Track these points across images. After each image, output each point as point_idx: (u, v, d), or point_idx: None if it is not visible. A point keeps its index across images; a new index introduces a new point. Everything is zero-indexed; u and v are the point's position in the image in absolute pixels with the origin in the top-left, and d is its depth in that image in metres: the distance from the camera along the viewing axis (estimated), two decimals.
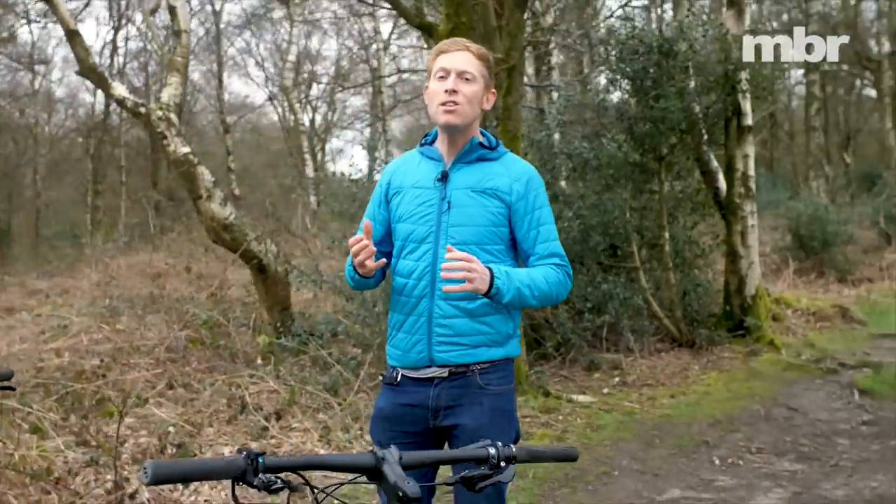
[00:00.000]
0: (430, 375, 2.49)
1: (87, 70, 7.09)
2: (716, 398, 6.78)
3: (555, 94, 9.80)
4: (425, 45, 17.05)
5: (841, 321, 10.05)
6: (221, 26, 23.94)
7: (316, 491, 1.47)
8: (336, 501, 1.51)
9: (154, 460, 1.25)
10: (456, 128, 2.49)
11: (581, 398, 6.52)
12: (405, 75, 21.03)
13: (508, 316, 2.53)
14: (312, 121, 25.44)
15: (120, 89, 7.22)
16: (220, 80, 24.39)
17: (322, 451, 4.98)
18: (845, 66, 22.37)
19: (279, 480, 1.35)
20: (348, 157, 34.52)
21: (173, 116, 6.99)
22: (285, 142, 24.79)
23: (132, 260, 13.11)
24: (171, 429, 5.10)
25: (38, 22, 20.57)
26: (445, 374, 2.48)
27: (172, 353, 6.87)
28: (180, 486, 4.41)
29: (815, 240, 12.86)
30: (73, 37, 7.03)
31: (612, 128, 8.22)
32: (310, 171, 19.94)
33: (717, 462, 5.29)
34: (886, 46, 22.22)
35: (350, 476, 1.54)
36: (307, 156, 20.80)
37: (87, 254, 14.83)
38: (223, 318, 7.36)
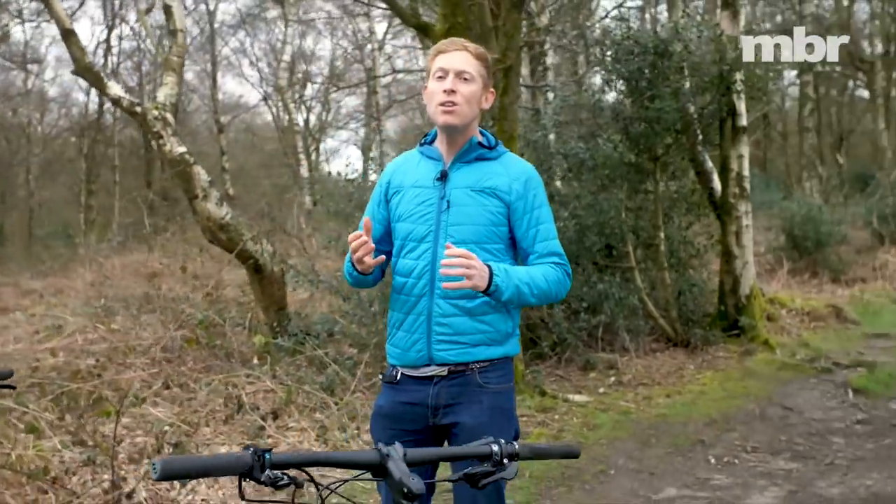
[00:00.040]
0: (429, 374, 2.51)
1: (83, 69, 7.08)
2: (711, 397, 6.81)
3: (550, 95, 9.81)
4: (420, 45, 17.07)
5: (835, 321, 10.09)
6: (216, 26, 23.92)
7: (320, 488, 1.48)
8: (339, 498, 1.52)
9: (163, 457, 1.25)
10: (455, 128, 2.50)
11: (577, 397, 6.53)
12: (400, 75, 21.05)
13: (508, 315, 2.54)
14: (307, 121, 25.43)
15: (116, 88, 7.22)
16: (215, 80, 24.36)
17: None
18: (838, 67, 22.46)
19: (285, 477, 1.36)
20: (343, 157, 34.48)
21: (169, 116, 6.98)
22: (280, 142, 24.76)
23: (126, 260, 13.09)
24: (167, 428, 5.10)
25: (32, 21, 20.51)
26: (445, 373, 2.49)
27: (168, 353, 6.86)
28: (177, 486, 4.42)
29: (808, 240, 12.90)
30: (68, 36, 7.01)
31: (608, 128, 8.24)
32: (304, 172, 19.93)
33: (712, 461, 5.31)
34: (879, 48, 22.33)
35: (354, 473, 1.55)
36: (302, 156, 20.79)
37: (81, 253, 14.79)
38: (219, 318, 7.36)
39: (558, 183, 8.42)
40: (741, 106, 8.83)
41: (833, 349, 8.63)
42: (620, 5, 12.63)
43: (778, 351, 8.31)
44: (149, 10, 8.62)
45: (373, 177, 10.13)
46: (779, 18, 23.94)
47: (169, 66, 7.32)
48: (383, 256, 2.47)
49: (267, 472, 1.35)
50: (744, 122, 8.95)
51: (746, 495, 4.69)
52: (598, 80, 9.71)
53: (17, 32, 22.51)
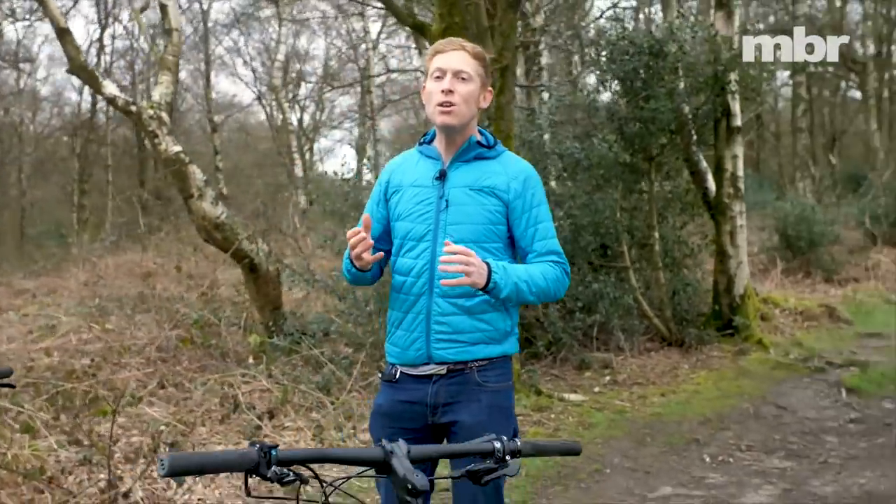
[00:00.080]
0: (428, 372, 2.51)
1: (78, 68, 7.06)
2: (706, 397, 6.83)
3: (545, 95, 9.82)
4: (414, 45, 17.07)
5: (828, 320, 10.13)
6: (209, 25, 23.88)
7: (325, 484, 1.49)
8: (337, 497, 1.53)
9: (171, 453, 1.26)
10: (453, 128, 2.51)
11: (572, 397, 6.55)
12: (394, 75, 21.06)
13: (506, 313, 2.55)
14: (300, 120, 25.42)
15: (111, 88, 7.20)
16: (208, 79, 24.32)
17: None
18: (830, 68, 22.56)
19: (291, 473, 1.37)
20: (336, 156, 34.48)
21: (164, 115, 6.97)
22: (274, 141, 24.74)
23: (120, 260, 13.04)
24: (163, 428, 5.09)
25: (25, 20, 20.43)
26: (444, 372, 2.50)
27: (163, 353, 6.85)
28: (174, 485, 4.41)
29: (801, 240, 12.96)
30: (63, 35, 7.00)
31: (603, 128, 8.25)
32: (299, 171, 19.92)
33: (707, 460, 5.33)
34: (871, 49, 22.44)
35: (357, 470, 1.56)
36: (296, 155, 20.77)
37: (74, 253, 14.76)
38: (214, 318, 7.35)
39: (553, 183, 8.44)
40: (735, 106, 8.87)
41: (826, 349, 8.67)
42: (615, 6, 12.67)
43: (772, 350, 8.34)
44: (143, 9, 8.60)
45: (368, 176, 10.15)
46: (772, 19, 24.05)
47: (164, 65, 7.31)
48: (381, 253, 2.47)
49: (273, 468, 1.35)
50: (738, 122, 8.98)
51: (741, 493, 4.72)
52: (592, 80, 9.73)
53: (10, 31, 22.39)
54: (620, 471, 5.09)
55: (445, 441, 2.52)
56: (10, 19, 20.40)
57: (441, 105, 2.48)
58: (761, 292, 10.25)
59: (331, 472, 3.79)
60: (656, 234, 8.37)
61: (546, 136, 8.27)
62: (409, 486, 1.45)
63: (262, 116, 27.57)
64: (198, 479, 4.55)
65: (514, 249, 2.58)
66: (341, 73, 25.24)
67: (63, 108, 25.98)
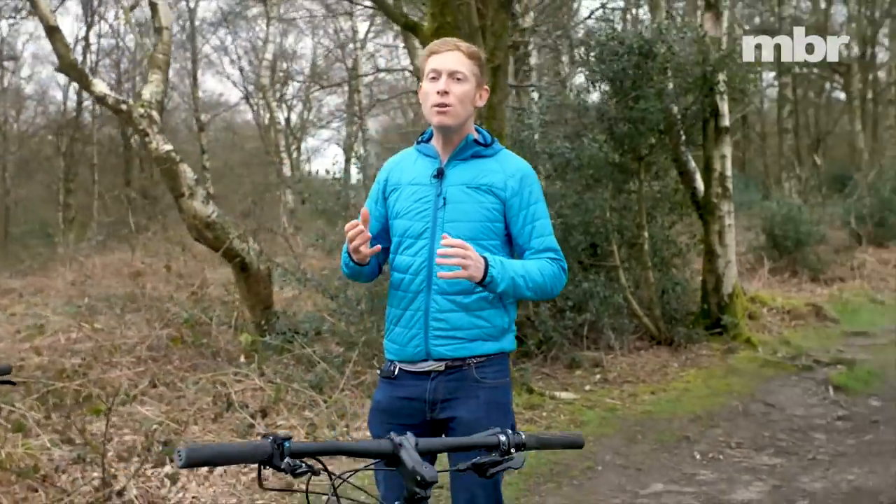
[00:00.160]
0: (426, 369, 2.53)
1: (68, 66, 7.03)
2: (695, 394, 6.88)
3: (535, 95, 9.86)
4: (402, 44, 17.07)
5: (814, 319, 10.22)
6: (196, 23, 23.79)
7: (333, 476, 1.51)
8: (337, 492, 1.55)
9: (188, 444, 1.27)
10: (449, 128, 2.54)
11: (564, 395, 6.58)
12: (381, 74, 21.06)
13: (504, 310, 2.57)
14: (288, 119, 25.36)
15: (101, 86, 7.17)
16: (195, 78, 24.22)
17: None
18: (816, 69, 22.73)
19: (304, 465, 1.39)
20: (324, 156, 34.44)
21: (155, 114, 6.95)
22: (262, 140, 24.67)
23: (107, 259, 13.00)
24: (155, 426, 5.09)
25: (13, 18, 20.27)
26: (442, 368, 2.52)
27: (154, 352, 6.84)
28: (168, 483, 4.41)
29: (788, 239, 13.05)
30: (52, 33, 6.96)
31: (593, 128, 8.29)
32: (287, 171, 19.88)
33: (698, 457, 5.38)
34: (855, 50, 22.62)
35: (365, 462, 1.58)
36: (284, 155, 20.73)
37: (61, 253, 14.68)
38: (205, 317, 7.34)
39: (543, 182, 8.47)
40: (724, 107, 8.93)
41: (813, 347, 8.75)
42: (603, 6, 12.73)
43: (760, 349, 8.41)
44: (133, 7, 8.56)
45: (358, 176, 10.13)
46: (757, 20, 24.22)
47: (154, 63, 7.28)
48: (379, 246, 2.49)
49: (286, 459, 1.37)
50: (726, 122, 9.04)
51: (732, 490, 4.76)
52: (581, 79, 9.76)
53: None
54: (612, 468, 5.13)
55: (443, 437, 2.54)
56: None
57: (437, 106, 2.50)
58: (749, 291, 10.33)
59: (336, 466, 3.81)
60: (645, 234, 8.41)
61: (536, 136, 8.29)
62: (419, 478, 1.47)
63: (249, 115, 27.53)
64: (191, 477, 4.56)
65: (512, 247, 2.61)
66: (329, 73, 25.22)
67: (48, 107, 25.83)
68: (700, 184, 9.23)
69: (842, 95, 25.04)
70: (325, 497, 1.56)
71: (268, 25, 20.94)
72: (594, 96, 8.65)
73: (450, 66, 2.51)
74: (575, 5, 15.38)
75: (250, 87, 24.98)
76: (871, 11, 23.11)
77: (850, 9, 22.98)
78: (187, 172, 6.93)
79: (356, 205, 7.43)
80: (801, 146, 23.38)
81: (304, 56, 30.87)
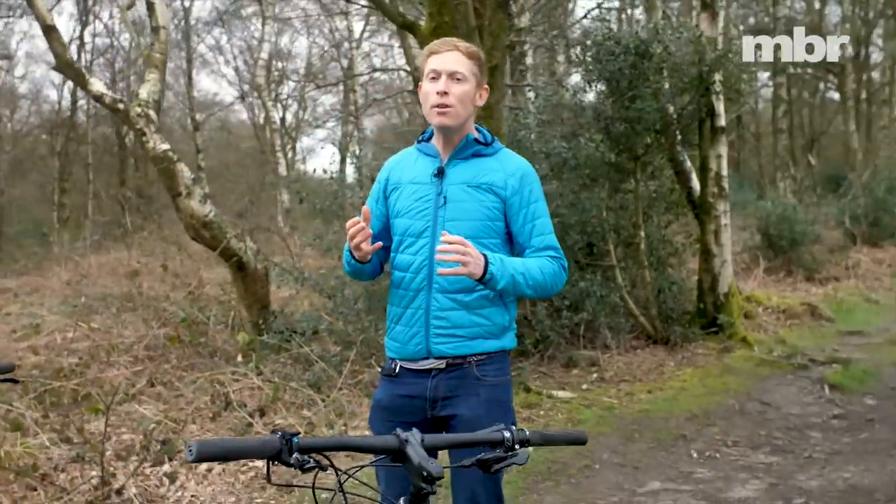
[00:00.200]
0: (427, 367, 2.54)
1: (65, 65, 7.02)
2: (692, 393, 6.90)
3: (532, 95, 9.86)
4: (398, 44, 17.07)
5: (810, 318, 10.25)
6: (191, 22, 23.75)
7: (340, 472, 1.52)
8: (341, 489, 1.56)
9: (199, 439, 1.28)
10: (449, 128, 2.55)
11: (561, 394, 6.60)
12: (376, 74, 21.05)
13: (504, 308, 2.58)
14: (283, 119, 25.34)
15: (98, 85, 7.16)
16: (190, 77, 24.20)
17: None
18: (810, 70, 22.81)
19: (312, 460, 1.40)
20: (319, 156, 34.44)
21: (152, 113, 6.95)
22: (257, 139, 24.65)
23: (103, 259, 12.99)
24: (153, 426, 5.09)
25: (8, 17, 20.22)
26: (443, 366, 2.53)
27: (151, 352, 6.84)
28: (166, 482, 4.42)
29: (783, 239, 13.09)
30: (49, 32, 6.95)
31: (590, 128, 8.30)
32: (282, 170, 19.87)
33: (694, 455, 5.40)
34: (849, 50, 22.70)
35: (371, 458, 1.59)
36: (279, 154, 20.72)
37: (56, 252, 14.65)
38: (202, 316, 7.34)
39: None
40: (720, 107, 8.95)
41: (809, 346, 8.77)
42: (599, 6, 12.75)
43: (756, 348, 8.43)
44: (129, 6, 8.54)
45: (355, 175, 10.11)
46: (752, 20, 24.29)
47: (151, 62, 7.28)
48: (380, 243, 2.50)
49: (295, 455, 1.38)
50: (722, 122, 9.07)
51: (729, 488, 4.78)
52: (577, 79, 9.77)
53: None
54: (610, 466, 5.14)
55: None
56: None
57: (437, 106, 2.51)
58: (744, 291, 10.36)
59: (340, 464, 3.82)
60: (642, 233, 8.44)
61: (532, 136, 8.31)
62: (425, 473, 1.48)
63: (244, 115, 27.51)
64: (190, 476, 4.56)
65: (512, 245, 2.62)
66: (324, 72, 25.21)
67: (41, 106, 25.78)
68: (696, 183, 9.26)
69: (836, 96, 25.12)
70: (329, 493, 1.57)
71: (263, 25, 20.92)
72: (590, 96, 8.67)
73: (450, 67, 2.52)
74: (570, 5, 15.41)
75: (245, 87, 24.97)
76: (864, 12, 23.21)
77: (845, 9, 23.05)
78: (185, 172, 6.93)
79: (352, 204, 7.43)
80: (796, 146, 23.45)
81: (300, 55, 30.85)
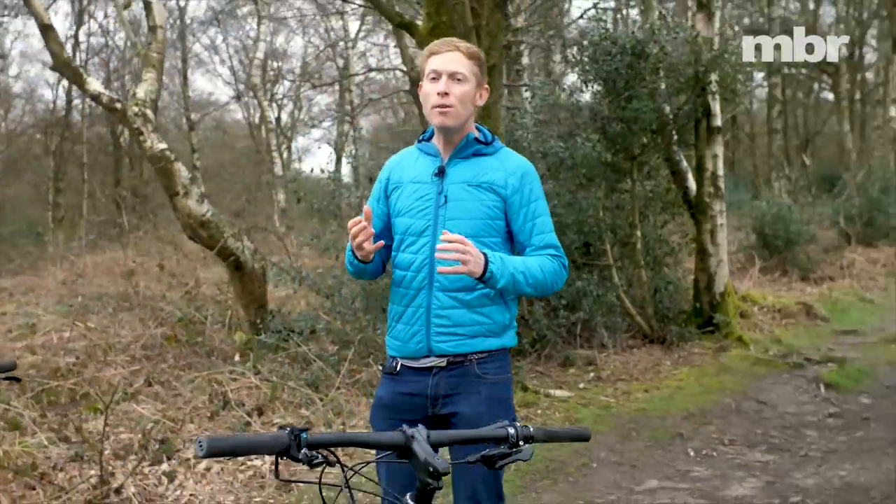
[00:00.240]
0: (428, 365, 2.55)
1: (62, 65, 7.02)
2: (688, 392, 6.92)
3: (528, 94, 9.88)
4: (394, 43, 17.07)
5: (805, 318, 10.29)
6: (187, 22, 23.72)
7: (346, 468, 1.54)
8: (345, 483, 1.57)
9: (208, 435, 1.29)
10: (449, 128, 2.56)
11: (558, 393, 6.62)
12: (372, 73, 21.06)
13: (505, 307, 2.59)
14: (278, 119, 25.32)
15: (95, 84, 7.16)
16: (185, 77, 24.15)
17: None
18: (804, 70, 22.89)
19: (320, 456, 1.41)
20: (315, 155, 34.42)
21: (149, 112, 6.95)
22: (253, 139, 24.63)
23: (98, 258, 12.96)
24: (151, 425, 5.09)
25: (3, 16, 20.16)
26: (444, 364, 2.54)
27: (148, 351, 6.84)
28: (165, 482, 4.42)
29: (779, 239, 13.13)
30: (46, 31, 6.95)
31: (586, 127, 8.31)
32: (278, 170, 19.85)
33: (691, 453, 5.42)
34: (844, 51, 22.78)
35: (377, 454, 1.61)
36: (275, 154, 20.70)
37: (51, 252, 14.63)
38: (199, 315, 7.34)
39: None
40: (716, 107, 8.98)
41: (804, 345, 8.80)
42: (595, 6, 12.77)
43: (751, 347, 8.46)
44: (127, 6, 8.54)
45: (352, 174, 10.12)
46: (747, 21, 24.36)
47: (148, 62, 7.28)
48: (382, 242, 2.51)
49: (303, 450, 1.39)
50: (718, 122, 9.09)
51: (725, 486, 4.81)
52: (574, 79, 9.78)
53: None
54: (607, 465, 5.16)
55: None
56: None
57: (438, 107, 2.52)
58: (740, 290, 10.39)
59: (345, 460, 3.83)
60: (638, 233, 8.45)
61: (529, 136, 8.32)
62: (431, 469, 1.50)
63: (240, 115, 27.49)
64: (189, 475, 4.57)
65: (513, 244, 2.63)
66: (320, 72, 25.20)
67: (36, 106, 25.72)
68: (692, 183, 9.28)
69: (830, 96, 25.22)
70: (335, 489, 1.58)
71: (259, 24, 20.90)
72: (587, 96, 8.68)
73: (450, 67, 2.53)
74: (566, 6, 15.43)
75: (241, 86, 24.95)
76: (859, 13, 23.29)
77: (839, 10, 23.16)
78: (182, 171, 6.93)
79: (349, 204, 7.43)
80: (791, 146, 23.54)
81: (295, 55, 30.85)
